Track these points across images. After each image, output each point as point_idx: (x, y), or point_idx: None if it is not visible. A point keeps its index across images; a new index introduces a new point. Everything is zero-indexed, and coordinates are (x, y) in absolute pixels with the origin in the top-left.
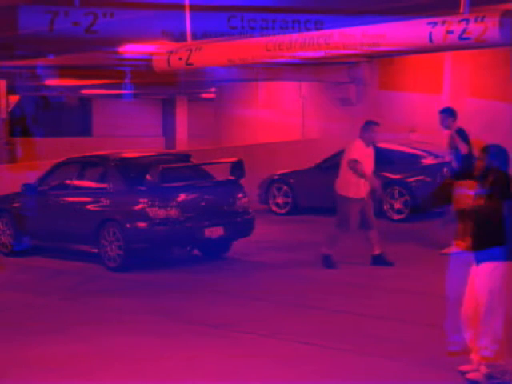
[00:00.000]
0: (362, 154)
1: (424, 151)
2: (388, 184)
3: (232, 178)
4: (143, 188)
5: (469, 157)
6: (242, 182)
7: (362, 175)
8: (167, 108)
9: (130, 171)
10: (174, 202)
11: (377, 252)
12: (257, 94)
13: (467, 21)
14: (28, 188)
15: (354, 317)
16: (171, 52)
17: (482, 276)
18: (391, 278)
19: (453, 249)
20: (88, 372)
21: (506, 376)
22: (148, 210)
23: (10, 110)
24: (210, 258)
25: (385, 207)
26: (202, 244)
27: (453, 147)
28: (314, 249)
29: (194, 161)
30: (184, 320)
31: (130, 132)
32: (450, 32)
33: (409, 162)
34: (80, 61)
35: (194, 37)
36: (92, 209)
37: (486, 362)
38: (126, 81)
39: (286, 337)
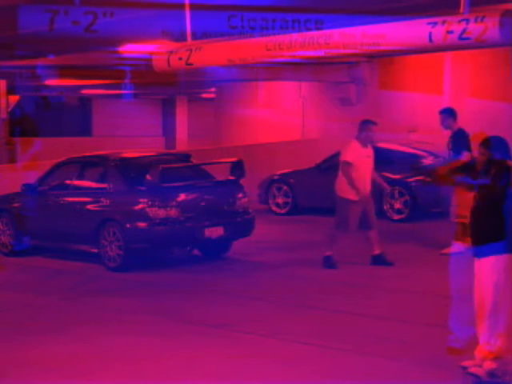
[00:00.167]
0: (359, 155)
1: (424, 151)
2: (388, 184)
3: (232, 177)
4: (143, 188)
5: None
6: (242, 182)
7: (350, 182)
8: (167, 108)
9: (130, 171)
10: (174, 202)
11: (377, 252)
12: (257, 94)
13: (467, 21)
14: (28, 188)
15: (354, 317)
16: (171, 52)
17: (486, 270)
18: (391, 277)
19: (453, 249)
20: (88, 372)
21: (507, 376)
22: (148, 209)
23: (9, 110)
24: (210, 258)
25: (385, 207)
26: (202, 244)
27: (451, 149)
28: (314, 249)
29: (194, 161)
30: (184, 320)
31: (130, 132)
32: (449, 32)
33: (409, 162)
34: (80, 61)
35: (194, 37)
36: (92, 209)
37: (491, 356)
38: (126, 81)
39: (285, 337)
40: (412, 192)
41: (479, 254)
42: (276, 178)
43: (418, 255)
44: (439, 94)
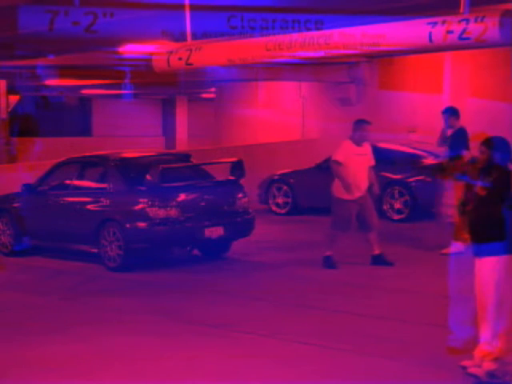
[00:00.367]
0: (351, 154)
1: (424, 151)
2: (388, 184)
3: (232, 178)
4: (143, 188)
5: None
6: (242, 182)
7: (342, 181)
8: (167, 108)
9: (130, 171)
10: (174, 202)
11: (377, 252)
12: (257, 94)
13: (467, 21)
14: (28, 188)
15: (354, 317)
16: (171, 52)
17: (486, 271)
18: (391, 277)
19: (452, 249)
20: (88, 372)
21: (507, 377)
22: (148, 209)
23: (10, 110)
24: (210, 258)
25: (385, 207)
26: (202, 244)
27: (449, 147)
28: (314, 249)
29: (194, 161)
30: (184, 320)
31: (130, 132)
32: (449, 32)
33: (409, 161)
34: (80, 61)
35: (194, 37)
36: (92, 209)
37: (491, 357)
38: (126, 81)
39: (285, 337)
40: (412, 192)
41: (480, 254)
42: (276, 178)
43: (418, 255)
44: (439, 94)
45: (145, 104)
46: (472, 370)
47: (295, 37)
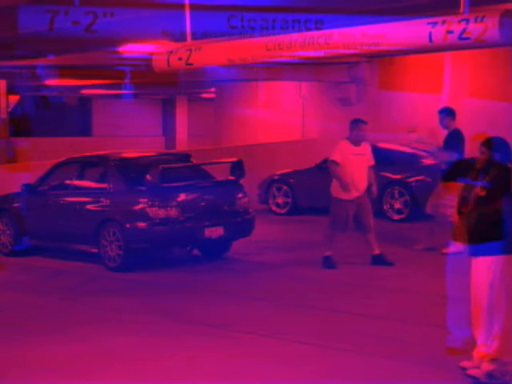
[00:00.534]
0: (348, 154)
1: (424, 151)
2: (388, 184)
3: (232, 178)
4: (143, 188)
5: (460, 158)
6: (242, 182)
7: (339, 180)
8: (167, 108)
9: (130, 171)
10: (174, 202)
11: (377, 252)
12: (257, 94)
13: (467, 21)
14: (28, 188)
15: (354, 317)
16: (171, 52)
17: (482, 270)
18: (391, 277)
19: (452, 248)
20: (88, 372)
21: (507, 377)
22: (148, 209)
23: (9, 109)
24: (210, 258)
25: (385, 207)
26: (202, 244)
27: (444, 148)
28: (314, 249)
29: (194, 161)
30: (184, 320)
31: (130, 132)
32: (449, 32)
33: (409, 161)
34: (80, 61)
35: (194, 37)
36: (92, 209)
37: (488, 358)
38: (126, 81)
39: (285, 337)
40: (412, 192)
41: (476, 253)
42: (276, 178)
43: (418, 255)
44: (439, 93)
45: (145, 104)
46: (471, 372)
47: (295, 37)
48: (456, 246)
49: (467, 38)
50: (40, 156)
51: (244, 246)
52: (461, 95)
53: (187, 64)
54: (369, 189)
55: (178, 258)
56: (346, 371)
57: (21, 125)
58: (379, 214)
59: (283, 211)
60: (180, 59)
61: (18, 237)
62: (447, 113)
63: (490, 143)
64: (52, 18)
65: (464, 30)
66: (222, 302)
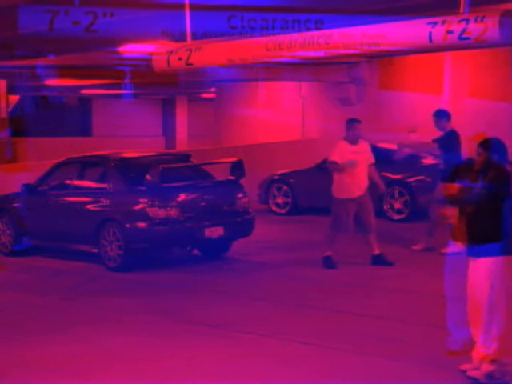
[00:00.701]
0: (347, 153)
1: (424, 151)
2: (388, 184)
3: (232, 178)
4: (143, 188)
5: (457, 159)
6: (242, 182)
7: (339, 169)
8: (167, 108)
9: (130, 171)
10: (174, 202)
11: (377, 252)
12: (257, 94)
13: (467, 21)
14: (28, 188)
15: (354, 317)
16: (171, 52)
17: (482, 272)
18: (391, 277)
19: (452, 248)
20: (88, 372)
21: (507, 377)
22: (148, 210)
23: (9, 110)
24: (210, 258)
25: (385, 207)
26: (202, 244)
27: (440, 149)
28: (314, 249)
29: (194, 161)
30: (184, 320)
31: (130, 132)
32: (449, 32)
33: (409, 161)
34: (80, 61)
35: (194, 37)
36: (92, 209)
37: (488, 359)
38: (126, 81)
39: (285, 337)
40: (412, 192)
41: (476, 255)
42: (276, 178)
43: (417, 255)
44: (439, 94)
45: (145, 104)
46: (471, 374)
47: (295, 37)
48: (455, 247)
49: (467, 38)
50: (40, 156)
51: (244, 246)
52: (461, 95)
53: (187, 64)
54: (375, 187)
55: (178, 258)
56: (346, 371)
57: (21, 125)
58: (379, 213)
59: (283, 211)
60: (180, 59)
61: (18, 237)
62: (442, 115)
63: (487, 144)
64: (52, 17)
65: (464, 30)
66: (222, 302)
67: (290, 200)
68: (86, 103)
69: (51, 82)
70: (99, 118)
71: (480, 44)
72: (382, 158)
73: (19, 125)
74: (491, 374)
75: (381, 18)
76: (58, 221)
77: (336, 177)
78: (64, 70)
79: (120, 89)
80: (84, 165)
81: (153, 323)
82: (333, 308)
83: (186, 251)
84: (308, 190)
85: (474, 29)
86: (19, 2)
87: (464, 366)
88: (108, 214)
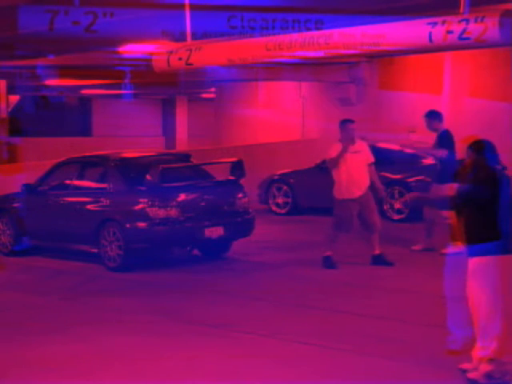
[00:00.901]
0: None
1: (424, 151)
2: (388, 184)
3: (232, 178)
4: (143, 188)
5: (452, 159)
6: (242, 182)
7: (338, 157)
8: (167, 108)
9: (130, 171)
10: (174, 202)
11: (377, 252)
12: (257, 94)
13: (467, 21)
14: (28, 188)
15: (354, 317)
16: (171, 52)
17: (472, 272)
18: (391, 278)
19: (452, 249)
20: (88, 372)
21: (507, 376)
22: (148, 209)
23: (10, 110)
24: (210, 258)
25: (385, 207)
26: (202, 244)
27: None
28: (314, 249)
29: (194, 161)
30: (184, 320)
31: (130, 132)
32: (449, 32)
33: (409, 162)
34: (80, 61)
35: (194, 37)
36: (92, 209)
37: (487, 358)
38: (126, 81)
39: (285, 337)
40: (412, 192)
41: (472, 254)
42: (276, 178)
43: (418, 255)
44: (439, 93)
45: (145, 104)
46: (471, 375)
47: (295, 37)
48: (455, 247)
49: (467, 38)
50: (40, 156)
51: (244, 246)
52: (461, 95)
53: (187, 64)
54: (374, 188)
55: (178, 258)
56: (346, 371)
57: (21, 125)
58: (379, 213)
59: (283, 211)
60: (180, 59)
61: (18, 237)
62: (434, 116)
63: (475, 146)
64: (52, 17)
65: (464, 30)
66: (222, 302)
67: (289, 200)
68: (85, 103)
69: (51, 82)
70: (99, 118)
71: (480, 44)
72: (382, 158)
73: (19, 125)
74: (490, 374)
75: (381, 18)
76: (58, 221)
77: (336, 177)
78: (64, 70)
79: (120, 89)
80: (84, 165)
81: (153, 323)
82: (333, 308)
83: (185, 251)
84: (308, 190)
85: (474, 29)
86: (19, 1)
87: (464, 366)
88: (108, 213)
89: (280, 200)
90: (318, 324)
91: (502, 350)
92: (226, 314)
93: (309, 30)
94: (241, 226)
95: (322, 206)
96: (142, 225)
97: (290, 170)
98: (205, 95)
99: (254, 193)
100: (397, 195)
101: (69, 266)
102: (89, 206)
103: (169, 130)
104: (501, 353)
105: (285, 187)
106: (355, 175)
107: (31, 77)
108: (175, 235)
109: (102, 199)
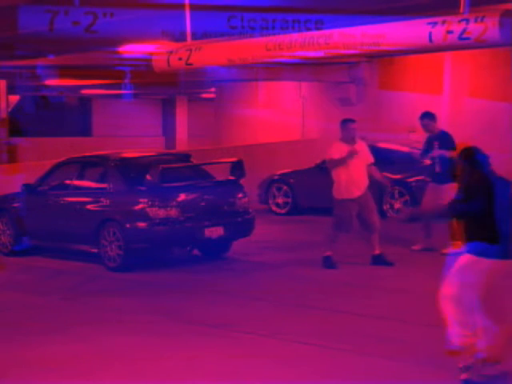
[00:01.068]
0: (344, 152)
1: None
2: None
3: (232, 178)
4: (143, 188)
5: (451, 160)
6: (242, 182)
7: (341, 161)
8: (167, 108)
9: (130, 171)
10: (174, 202)
11: (377, 252)
12: (257, 94)
13: (467, 21)
14: (28, 188)
15: (354, 317)
16: (171, 52)
17: (457, 266)
18: (391, 277)
19: (452, 249)
20: (88, 372)
21: (504, 376)
22: (148, 210)
23: (10, 110)
24: (210, 258)
25: (385, 207)
26: (202, 244)
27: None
28: (314, 249)
29: (194, 161)
30: (184, 320)
31: (130, 132)
32: (449, 32)
33: (409, 161)
34: (80, 61)
35: (194, 37)
36: (92, 209)
37: (481, 362)
38: (126, 81)
39: (285, 337)
40: (412, 192)
41: (467, 251)
42: (276, 178)
43: (418, 255)
44: (439, 94)
45: (145, 104)
46: (463, 376)
47: (295, 37)
48: (455, 247)
49: (467, 38)
50: (40, 156)
51: (244, 246)
52: (461, 95)
53: (187, 64)
54: (379, 185)
55: (178, 258)
56: (346, 371)
57: (21, 125)
58: (379, 213)
59: (283, 211)
60: (180, 59)
61: (18, 237)
62: (430, 117)
63: (462, 154)
64: (52, 18)
65: (464, 30)
66: (222, 302)
67: (289, 200)
68: (85, 103)
69: (51, 82)
70: (99, 118)
71: (480, 44)
72: (382, 158)
73: (19, 125)
74: (468, 367)
75: (381, 18)
76: (58, 221)
77: (335, 177)
78: (64, 70)
79: (120, 89)
80: (84, 165)
81: (153, 323)
82: (333, 308)
83: (186, 251)
84: (308, 190)
85: (474, 29)
86: (19, 1)
87: (461, 364)
88: (108, 213)
89: (280, 200)
90: (317, 324)
91: (502, 350)
92: (226, 314)
93: (309, 30)
94: (241, 225)
95: (322, 206)
96: (142, 225)
97: (290, 170)
98: (205, 95)
99: (254, 193)
100: (397, 195)
101: (69, 266)
102: (89, 206)
103: (169, 130)
104: (501, 357)
105: (285, 187)
106: (355, 175)
107: (31, 77)
108: (175, 235)
109: (101, 199)
